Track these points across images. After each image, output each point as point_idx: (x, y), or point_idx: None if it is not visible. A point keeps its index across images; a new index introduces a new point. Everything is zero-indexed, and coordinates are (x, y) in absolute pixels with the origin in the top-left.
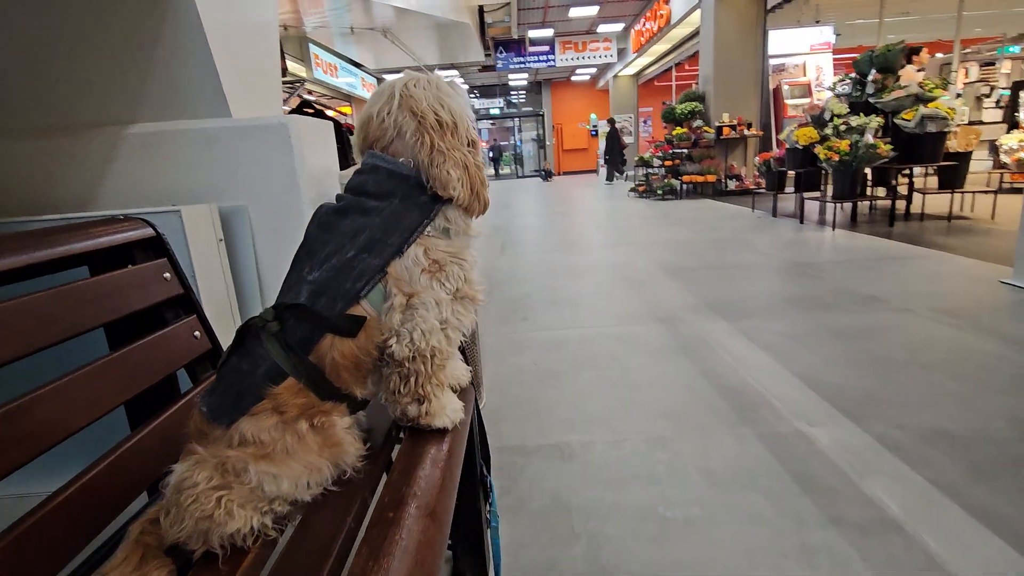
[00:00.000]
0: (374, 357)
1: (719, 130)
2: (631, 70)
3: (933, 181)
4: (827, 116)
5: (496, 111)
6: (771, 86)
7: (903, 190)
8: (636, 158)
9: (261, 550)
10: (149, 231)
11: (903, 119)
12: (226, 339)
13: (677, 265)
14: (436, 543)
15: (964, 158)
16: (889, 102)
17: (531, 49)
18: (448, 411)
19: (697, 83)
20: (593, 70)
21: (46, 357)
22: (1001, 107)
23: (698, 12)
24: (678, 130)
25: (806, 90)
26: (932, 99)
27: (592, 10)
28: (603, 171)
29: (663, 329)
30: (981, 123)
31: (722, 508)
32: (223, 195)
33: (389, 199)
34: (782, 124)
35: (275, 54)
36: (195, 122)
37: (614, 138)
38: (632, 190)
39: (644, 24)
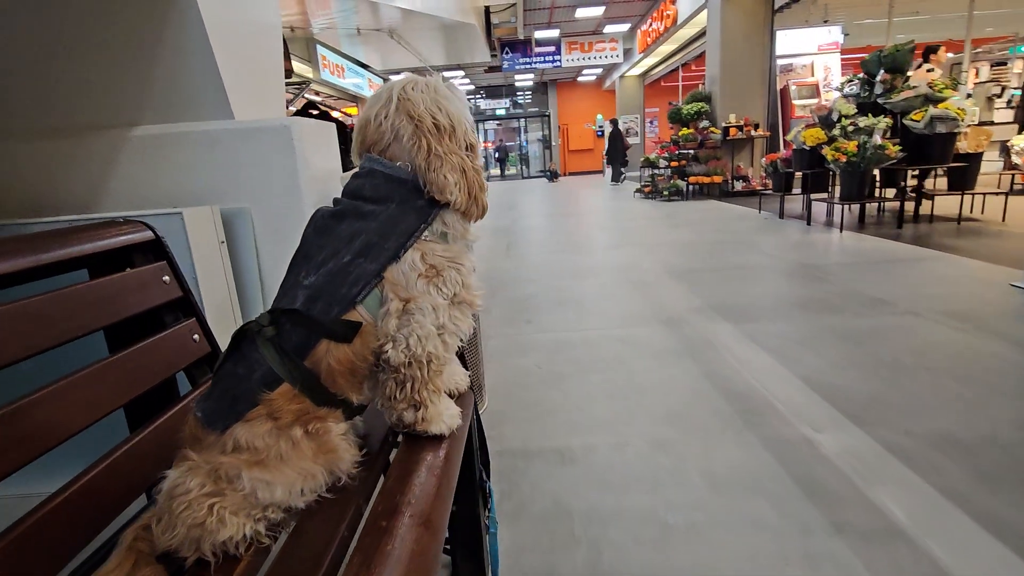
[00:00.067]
0: (370, 363)
1: (726, 131)
2: (637, 70)
3: (943, 182)
4: (835, 117)
5: (502, 112)
6: (778, 86)
7: (914, 191)
8: (642, 159)
9: (254, 557)
10: (148, 234)
11: (912, 120)
12: (228, 342)
13: (682, 267)
14: (430, 552)
15: (975, 159)
16: (898, 103)
17: (537, 50)
18: (445, 417)
19: (704, 83)
20: (599, 70)
21: (46, 359)
22: (1012, 107)
23: (705, 12)
24: (684, 131)
25: (814, 90)
26: (942, 99)
27: (598, 10)
28: (609, 171)
29: (667, 331)
30: (992, 124)
31: (725, 513)
32: (225, 197)
33: (386, 203)
34: (789, 125)
35: (278, 56)
36: (197, 124)
37: (617, 138)
38: (638, 191)
39: (650, 24)
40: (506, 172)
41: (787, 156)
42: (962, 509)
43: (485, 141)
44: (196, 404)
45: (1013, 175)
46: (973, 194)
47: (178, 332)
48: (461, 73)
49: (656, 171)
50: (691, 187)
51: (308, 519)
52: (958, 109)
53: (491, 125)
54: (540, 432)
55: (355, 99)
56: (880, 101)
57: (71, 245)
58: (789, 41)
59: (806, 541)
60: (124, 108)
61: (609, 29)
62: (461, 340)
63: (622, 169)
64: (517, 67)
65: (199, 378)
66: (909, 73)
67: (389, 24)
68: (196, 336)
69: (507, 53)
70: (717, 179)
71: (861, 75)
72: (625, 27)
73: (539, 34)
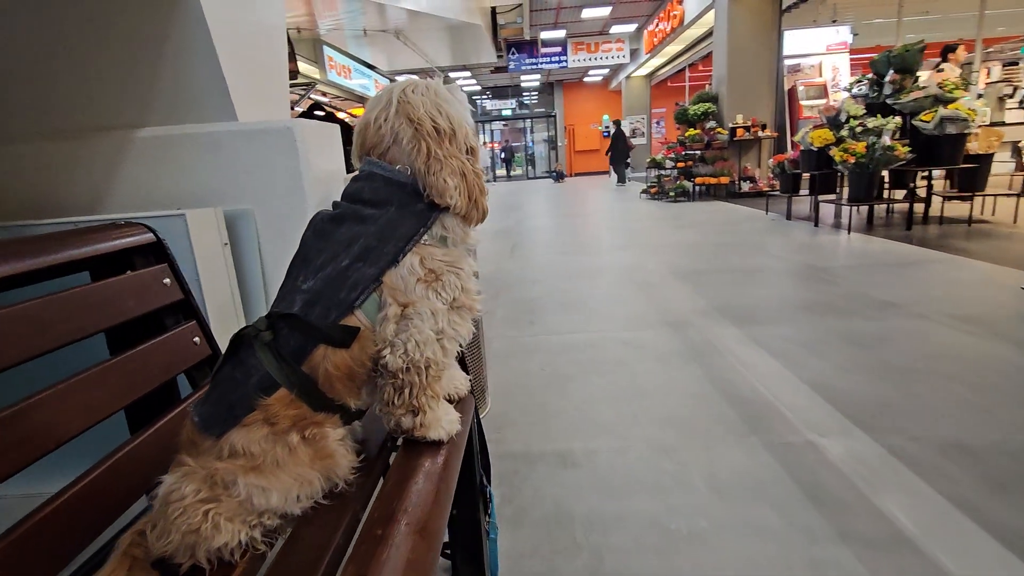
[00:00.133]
0: (368, 368)
1: (732, 131)
2: (644, 71)
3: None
4: (843, 117)
5: (508, 112)
6: (786, 87)
7: (923, 192)
8: (648, 159)
9: (249, 564)
10: (149, 236)
11: (922, 120)
12: None
13: (688, 268)
14: (426, 561)
15: (985, 160)
16: (907, 103)
17: (543, 50)
18: (443, 423)
19: (710, 84)
20: (606, 71)
21: (48, 362)
22: None
23: (712, 12)
24: (691, 131)
25: (822, 91)
26: (952, 100)
27: (605, 11)
28: (614, 173)
29: (672, 334)
30: (1003, 124)
31: (728, 520)
32: (229, 199)
33: (385, 207)
34: (797, 125)
35: (282, 57)
36: (201, 126)
37: (620, 139)
38: (644, 192)
39: (657, 24)
40: (512, 173)
41: (794, 157)
42: (971, 517)
43: (491, 142)
44: (193, 408)
45: None
46: (984, 196)
47: (179, 334)
48: (467, 74)
49: (662, 172)
50: (697, 188)
51: (304, 526)
52: (969, 110)
53: (497, 125)
54: (542, 435)
55: (361, 100)
56: (889, 102)
57: (72, 247)
58: (797, 41)
59: (811, 548)
60: (128, 110)
61: (615, 29)
62: (460, 345)
63: (627, 168)
64: (523, 68)
65: (199, 381)
66: (927, 73)
67: (395, 25)
68: (197, 339)
69: (513, 54)
70: (724, 180)
71: (870, 75)
72: (632, 27)
73: (545, 34)
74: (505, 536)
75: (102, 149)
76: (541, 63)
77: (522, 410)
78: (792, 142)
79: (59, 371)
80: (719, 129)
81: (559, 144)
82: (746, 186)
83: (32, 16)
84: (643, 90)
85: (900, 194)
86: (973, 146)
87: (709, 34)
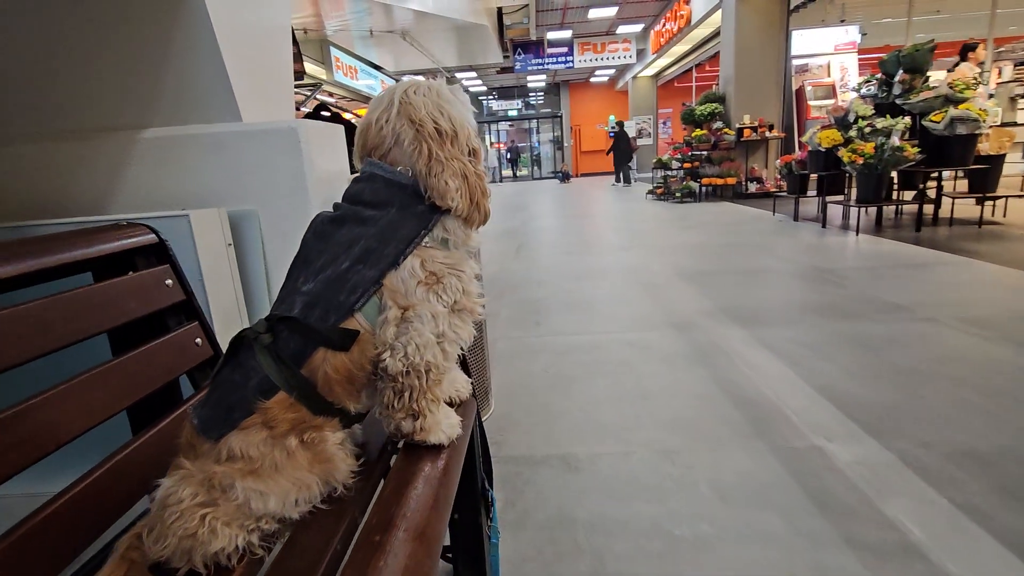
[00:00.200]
0: (368, 371)
1: (739, 132)
2: (650, 71)
3: (963, 184)
4: (851, 118)
5: (514, 113)
6: (794, 87)
7: (932, 193)
8: (654, 160)
9: (246, 569)
10: (152, 237)
11: (932, 121)
12: None
13: (693, 269)
14: (424, 568)
15: (996, 161)
16: (917, 103)
17: (550, 50)
18: (444, 426)
19: (717, 84)
20: (612, 71)
21: (51, 362)
22: None
23: (719, 12)
24: (698, 132)
25: (830, 91)
26: (962, 100)
27: (611, 11)
28: (621, 174)
29: (677, 335)
30: (1015, 124)
31: (733, 525)
32: (232, 199)
33: (386, 208)
34: (804, 126)
35: (287, 58)
36: (205, 127)
37: (622, 140)
38: (650, 192)
39: (664, 25)
40: (518, 173)
41: (802, 158)
42: (981, 525)
43: (497, 142)
44: (193, 411)
45: None
46: (995, 197)
47: (181, 336)
48: (473, 74)
49: (669, 172)
50: (704, 189)
51: (302, 530)
52: (979, 110)
53: (503, 126)
54: (545, 438)
55: (367, 100)
56: (899, 102)
57: (75, 248)
58: (805, 41)
59: (817, 556)
60: (132, 110)
61: (622, 30)
62: (462, 348)
63: (630, 168)
64: (529, 68)
65: (201, 382)
66: (941, 73)
67: (402, 26)
68: (199, 340)
69: (519, 54)
70: (731, 181)
71: (879, 75)
72: (638, 27)
73: (552, 35)
74: (508, 540)
75: (106, 150)
76: (547, 63)
77: (526, 412)
78: (800, 143)
79: (62, 372)
80: (726, 130)
81: (565, 144)
82: (753, 187)
83: (36, 17)
84: (649, 90)
85: (909, 195)
86: (984, 147)
87: (716, 34)
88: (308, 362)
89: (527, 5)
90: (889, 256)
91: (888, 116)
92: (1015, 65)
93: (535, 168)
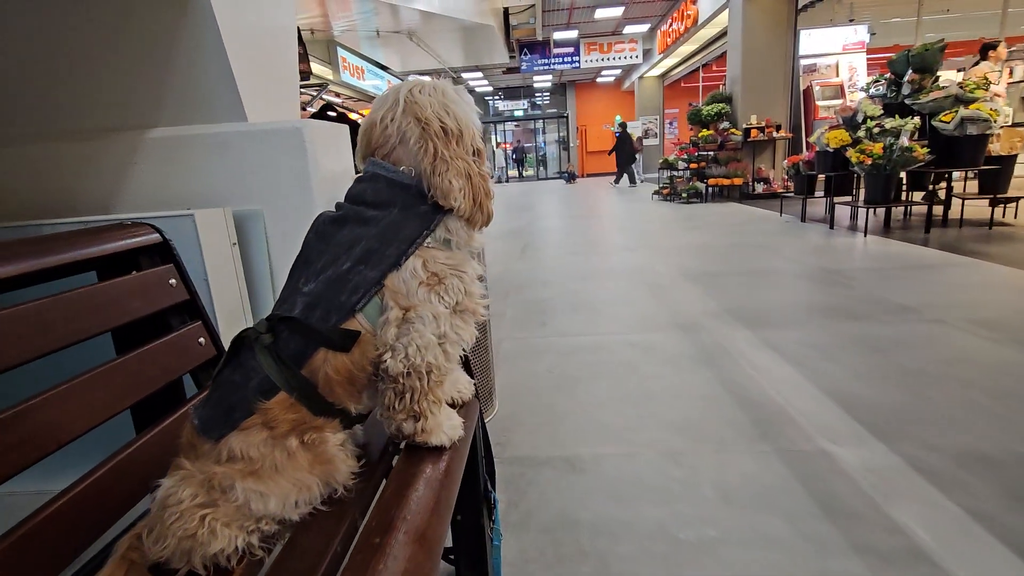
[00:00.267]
0: (369, 372)
1: (746, 132)
2: (657, 71)
3: (973, 185)
4: (860, 118)
5: (520, 113)
6: (802, 87)
7: (942, 194)
8: (660, 160)
9: (246, 570)
10: (156, 236)
11: (941, 121)
12: None
13: (699, 270)
14: (424, 570)
15: (1008, 162)
16: (927, 103)
17: (556, 51)
18: (445, 428)
19: (724, 84)
20: (618, 71)
21: (55, 361)
22: None
23: (726, 12)
24: (704, 132)
25: (838, 91)
26: (973, 100)
27: (618, 11)
28: (625, 175)
29: (683, 337)
30: None
31: (737, 529)
32: (238, 199)
33: (388, 208)
34: (812, 126)
35: (292, 58)
36: (211, 127)
37: (625, 141)
38: (656, 193)
39: (671, 25)
40: (524, 173)
41: (810, 158)
42: (990, 531)
43: (503, 142)
44: (194, 410)
45: None
46: (1006, 199)
47: (184, 335)
48: (479, 74)
49: (675, 173)
50: (710, 189)
51: (302, 532)
52: (990, 110)
53: (509, 126)
54: (549, 439)
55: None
56: (908, 102)
57: (79, 248)
58: (813, 41)
59: (822, 561)
60: (138, 111)
61: (628, 30)
62: (464, 349)
63: (635, 170)
64: (536, 68)
65: (205, 381)
66: (953, 72)
67: (408, 26)
68: (202, 339)
69: (526, 54)
70: (737, 181)
71: (888, 75)
72: (645, 27)
73: (558, 35)
74: (511, 542)
75: (112, 150)
76: (553, 64)
77: (530, 412)
78: (807, 143)
79: (66, 371)
80: (733, 130)
81: (571, 145)
82: (760, 187)
83: (42, 18)
84: (656, 90)
85: (919, 196)
86: (995, 147)
87: (723, 34)
88: (309, 363)
89: (533, 5)
90: (897, 257)
91: (897, 116)
92: None
93: (541, 168)
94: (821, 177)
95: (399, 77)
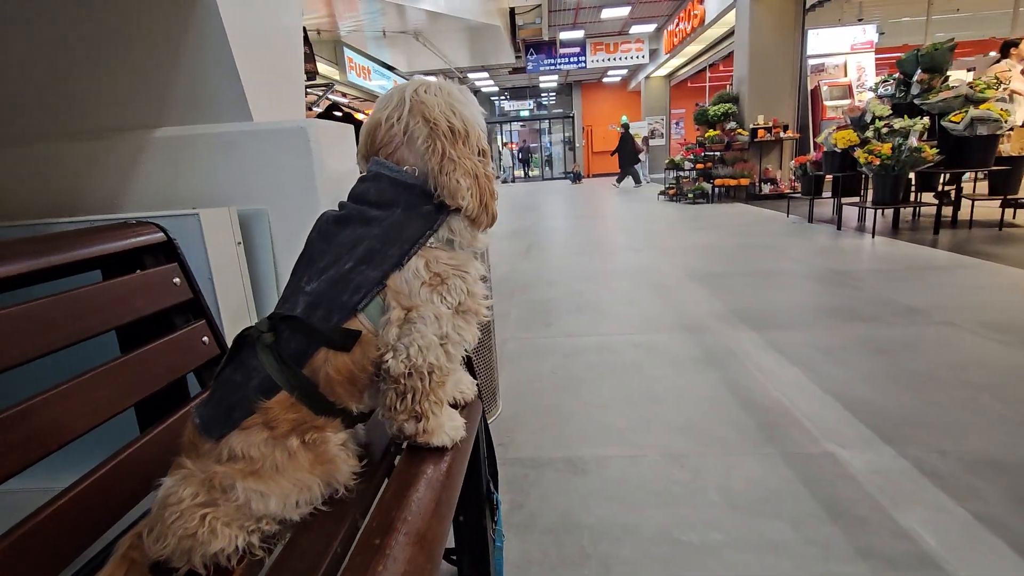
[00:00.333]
0: (370, 372)
1: (753, 132)
2: (663, 71)
3: (984, 186)
4: (868, 118)
5: (526, 113)
6: (809, 87)
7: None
8: (667, 161)
9: (246, 570)
10: (160, 236)
11: (951, 121)
12: None
13: (705, 271)
14: (424, 572)
15: (1019, 163)
16: (936, 103)
17: (562, 51)
18: (447, 429)
19: (731, 84)
20: (624, 71)
21: (59, 360)
22: None
23: (733, 12)
24: (711, 132)
25: (846, 91)
26: (983, 100)
27: (624, 11)
28: (629, 176)
29: (688, 338)
30: None
31: (742, 533)
32: (243, 199)
33: (391, 208)
34: (820, 126)
35: (298, 58)
36: (216, 126)
37: (627, 141)
38: (662, 193)
39: (677, 24)
40: (529, 173)
41: (817, 159)
42: (1000, 537)
43: (509, 142)
44: (195, 410)
45: None
46: (1016, 200)
47: (188, 334)
48: (485, 74)
49: (681, 173)
50: (717, 190)
51: (303, 532)
52: (1001, 110)
53: (515, 126)
54: (553, 440)
55: None
56: (917, 102)
57: (84, 246)
58: (821, 40)
59: (827, 566)
60: (144, 110)
61: (635, 30)
62: (466, 350)
63: (638, 171)
64: (542, 68)
65: (208, 380)
66: (971, 70)
67: (415, 26)
68: (206, 338)
69: (532, 54)
70: (744, 182)
71: (897, 75)
72: (651, 27)
73: (564, 35)
74: (513, 543)
75: (118, 149)
76: (559, 64)
77: (534, 413)
78: (815, 143)
79: (70, 369)
80: (739, 130)
81: (577, 145)
82: (767, 188)
83: (48, 18)
84: (662, 91)
85: (928, 197)
86: (1005, 148)
87: (730, 34)
88: (310, 362)
89: (539, 5)
90: (906, 259)
91: (906, 116)
92: None
93: (546, 168)
94: (828, 178)
95: (405, 77)
